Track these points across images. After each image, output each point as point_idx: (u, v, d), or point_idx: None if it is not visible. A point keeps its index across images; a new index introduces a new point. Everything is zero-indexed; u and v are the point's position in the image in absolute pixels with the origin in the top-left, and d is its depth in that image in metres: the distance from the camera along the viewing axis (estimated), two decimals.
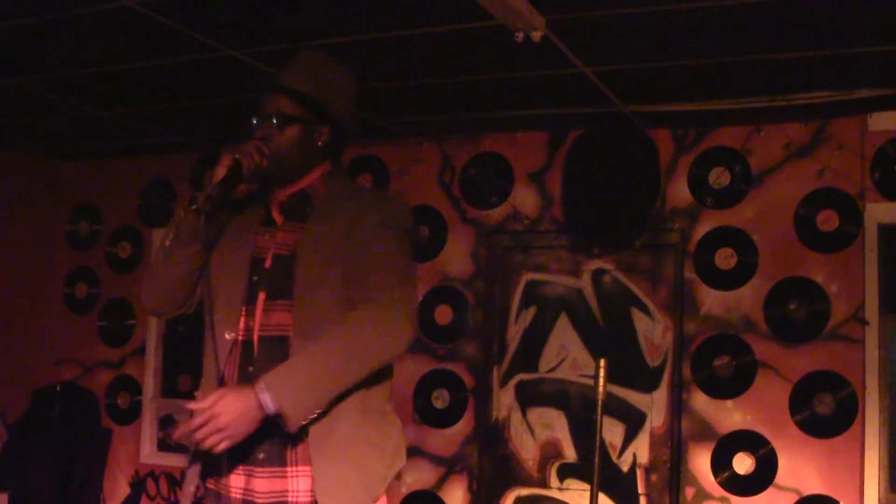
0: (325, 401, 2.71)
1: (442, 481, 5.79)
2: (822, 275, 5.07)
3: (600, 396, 4.21)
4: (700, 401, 5.26)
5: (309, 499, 2.77)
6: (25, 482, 6.34)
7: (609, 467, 5.42)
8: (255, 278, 2.88)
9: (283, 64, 3.07)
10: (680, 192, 5.40)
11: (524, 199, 5.78)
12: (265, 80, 3.19)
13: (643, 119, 5.27)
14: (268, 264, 2.90)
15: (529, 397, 5.74)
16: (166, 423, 6.60)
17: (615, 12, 3.81)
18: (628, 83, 4.76)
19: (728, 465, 5.15)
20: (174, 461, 6.50)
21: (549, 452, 5.66)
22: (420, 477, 5.73)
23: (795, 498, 4.99)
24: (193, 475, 2.92)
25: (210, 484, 2.91)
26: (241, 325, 2.86)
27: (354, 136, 3.11)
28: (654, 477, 5.42)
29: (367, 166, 6.13)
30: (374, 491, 2.85)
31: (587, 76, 4.61)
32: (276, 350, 2.78)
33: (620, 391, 5.46)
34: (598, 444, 4.25)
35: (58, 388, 6.77)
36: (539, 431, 5.70)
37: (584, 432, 5.55)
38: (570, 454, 5.61)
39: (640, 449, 5.46)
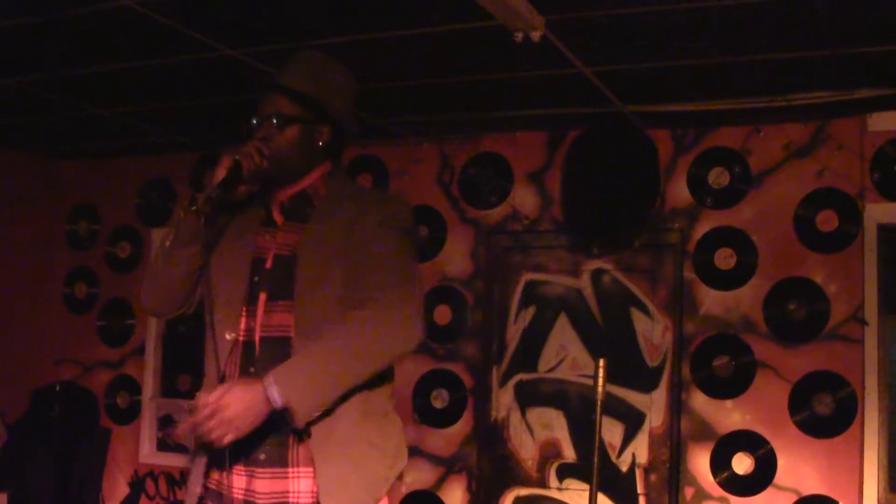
0: (332, 397, 2.70)
1: (441, 481, 5.79)
2: (821, 275, 5.07)
3: (599, 396, 4.22)
4: (699, 401, 5.26)
5: (310, 499, 2.77)
6: (25, 482, 6.34)
7: (608, 467, 5.42)
8: (256, 279, 2.88)
9: (282, 64, 3.07)
10: (679, 192, 5.40)
11: (523, 199, 5.78)
12: (265, 80, 3.18)
13: (642, 119, 5.27)
14: (268, 265, 2.89)
15: (529, 397, 5.74)
16: (166, 422, 6.60)
17: (614, 12, 3.81)
18: (628, 83, 4.76)
19: (727, 465, 5.16)
20: (173, 461, 6.51)
21: (549, 452, 5.66)
22: (419, 477, 5.73)
23: (795, 498, 4.99)
24: (198, 475, 2.92)
25: (211, 484, 2.91)
26: (242, 325, 2.86)
27: (354, 136, 3.10)
28: (653, 477, 5.42)
29: (367, 166, 6.13)
30: (376, 491, 2.85)
31: (586, 76, 4.61)
32: (277, 350, 2.77)
33: (620, 391, 5.46)
34: (597, 444, 4.26)
35: (57, 388, 6.77)
36: (538, 431, 5.70)
37: (583, 432, 5.55)
38: (570, 454, 5.61)
39: (640, 449, 5.46)
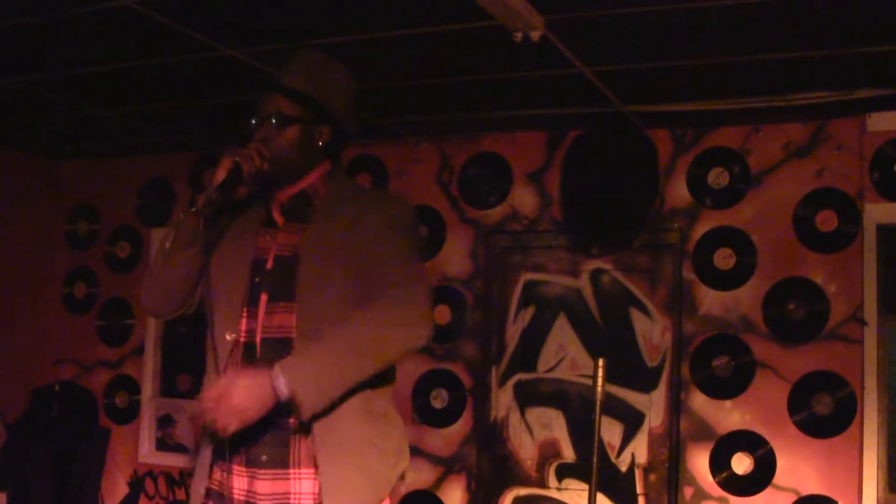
0: (338, 391, 2.70)
1: (440, 481, 5.79)
2: (820, 275, 5.07)
3: (599, 396, 4.22)
4: (699, 401, 5.26)
5: (311, 501, 2.78)
6: (24, 481, 6.34)
7: (607, 467, 5.42)
8: (257, 280, 2.88)
9: (281, 64, 3.07)
10: (679, 192, 5.41)
11: (523, 198, 5.78)
12: (264, 80, 3.18)
13: (642, 119, 5.27)
14: (269, 265, 2.89)
15: (528, 397, 5.74)
16: (165, 422, 6.60)
17: (614, 12, 3.81)
18: (627, 83, 4.76)
19: (727, 465, 5.16)
20: (173, 461, 6.51)
21: (548, 452, 5.66)
22: (419, 477, 5.74)
23: (794, 498, 5.00)
24: (202, 475, 2.92)
25: (213, 485, 2.91)
26: (243, 326, 2.86)
27: (354, 136, 3.11)
28: (652, 477, 5.42)
29: (366, 166, 6.12)
30: (379, 492, 2.86)
31: (586, 76, 4.61)
32: (278, 352, 2.77)
33: (619, 391, 5.46)
34: (596, 444, 4.26)
35: (56, 388, 6.77)
36: (537, 431, 5.70)
37: (582, 432, 5.55)
38: (569, 454, 5.61)
39: (639, 449, 5.46)
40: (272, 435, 2.78)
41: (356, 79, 3.09)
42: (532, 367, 5.74)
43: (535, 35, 3.89)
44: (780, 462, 5.04)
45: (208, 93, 5.20)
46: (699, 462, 5.22)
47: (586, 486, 4.91)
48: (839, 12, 3.71)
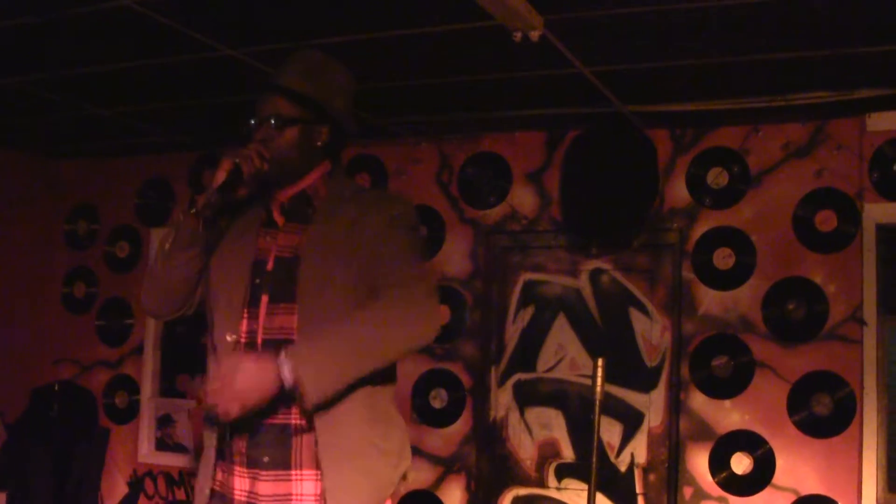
0: (344, 382, 2.70)
1: (440, 481, 5.79)
2: (820, 275, 5.07)
3: (598, 396, 4.22)
4: (698, 401, 5.26)
5: (314, 502, 2.78)
6: (24, 481, 6.34)
7: (607, 467, 5.42)
8: (258, 281, 2.88)
9: (280, 64, 3.07)
10: (678, 192, 5.41)
11: (522, 198, 5.78)
12: (264, 79, 3.18)
13: (641, 119, 5.27)
14: (270, 267, 2.89)
15: (527, 397, 5.74)
16: (164, 422, 6.60)
17: (614, 12, 3.81)
18: (627, 83, 4.76)
19: (726, 464, 5.16)
20: (172, 460, 6.51)
21: (547, 452, 5.66)
22: (418, 476, 5.73)
23: (793, 498, 5.00)
24: (206, 476, 2.92)
25: (216, 485, 2.91)
26: (244, 327, 2.86)
27: (354, 136, 3.10)
28: (651, 477, 5.42)
29: (366, 166, 6.12)
30: (382, 494, 2.87)
31: (585, 76, 4.61)
32: None
33: (618, 391, 5.47)
34: (595, 444, 4.26)
35: (56, 388, 6.77)
36: (537, 431, 5.70)
37: (582, 432, 5.55)
38: (568, 454, 5.61)
39: (638, 449, 5.46)
40: (274, 435, 2.79)
41: (356, 78, 3.09)
42: (531, 367, 5.74)
43: (535, 35, 3.89)
44: (780, 462, 5.04)
45: (208, 93, 5.21)
46: (698, 462, 5.22)
47: (586, 486, 4.91)
48: (839, 12, 3.71)
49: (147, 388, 6.69)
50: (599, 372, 4.20)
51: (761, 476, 5.07)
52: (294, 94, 2.91)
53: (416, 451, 5.67)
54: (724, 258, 5.28)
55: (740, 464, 5.14)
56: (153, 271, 2.99)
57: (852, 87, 4.65)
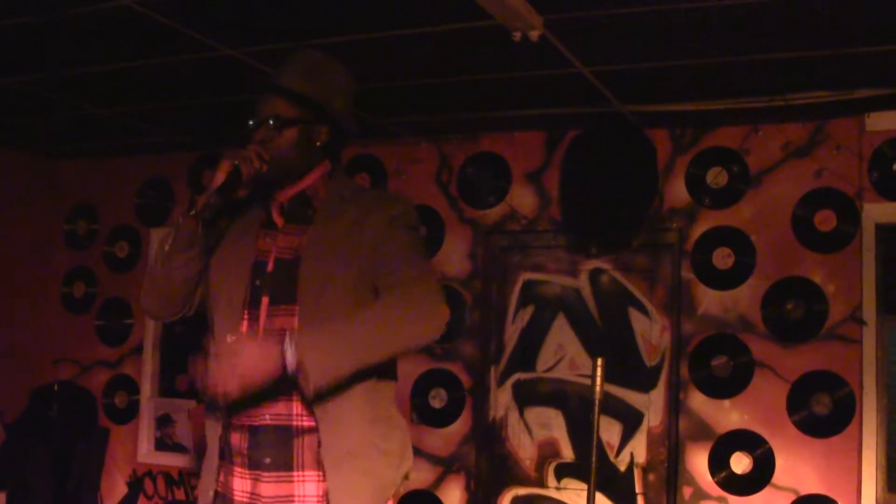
0: (348, 369, 2.69)
1: (439, 481, 5.79)
2: (819, 275, 5.07)
3: (597, 396, 4.22)
4: (697, 400, 5.26)
5: (316, 503, 2.78)
6: (23, 481, 6.33)
7: (606, 467, 5.42)
8: (258, 282, 2.87)
9: (279, 64, 3.06)
10: (678, 191, 5.41)
11: (522, 198, 5.78)
12: (264, 79, 3.18)
13: (641, 119, 5.27)
14: (270, 268, 2.88)
15: (527, 397, 5.74)
16: (164, 422, 6.60)
17: (613, 12, 3.81)
18: (626, 83, 4.76)
19: (725, 464, 5.16)
20: (172, 460, 6.51)
21: (547, 452, 5.67)
22: (418, 476, 5.73)
23: (793, 497, 5.00)
24: (210, 477, 2.92)
25: (218, 486, 2.91)
26: (245, 328, 2.85)
27: (353, 136, 3.10)
28: (651, 476, 5.42)
29: (365, 166, 6.12)
30: (385, 495, 2.88)
31: (585, 76, 4.61)
32: None
33: (618, 391, 5.47)
34: (595, 444, 4.26)
35: (55, 388, 6.76)
36: (536, 431, 5.70)
37: (581, 432, 5.55)
38: (568, 454, 5.61)
39: (638, 448, 5.46)
40: (276, 437, 2.79)
41: (356, 78, 3.09)
42: (531, 366, 5.74)
43: (534, 35, 3.89)
44: (779, 462, 5.04)
45: (208, 93, 5.21)
46: (698, 461, 5.22)
47: (585, 486, 4.91)
48: (838, 12, 3.71)
49: (146, 388, 6.69)
50: (599, 372, 4.20)
51: (761, 476, 5.07)
52: (293, 95, 2.90)
53: (416, 451, 5.62)
54: (723, 258, 5.28)
55: (740, 463, 5.14)
56: (153, 272, 2.99)
57: (852, 86, 4.66)
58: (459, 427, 5.79)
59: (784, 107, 4.88)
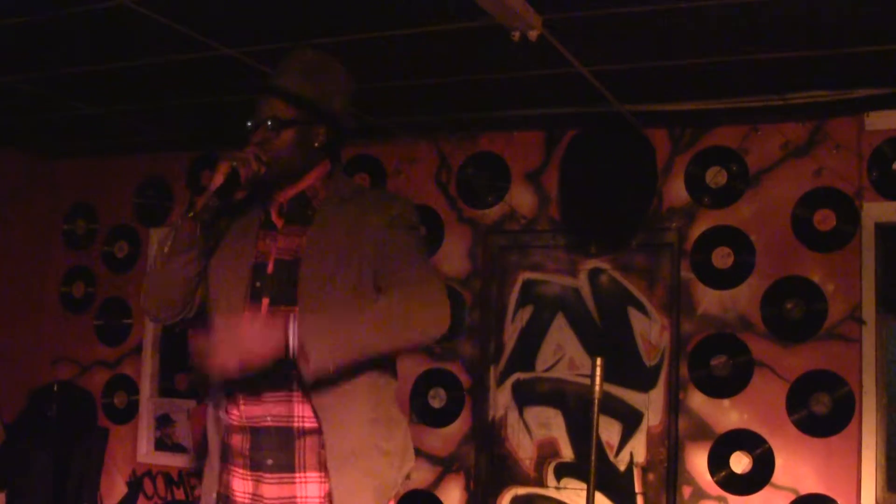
0: (349, 355, 2.69)
1: (439, 481, 5.79)
2: (819, 274, 5.07)
3: (596, 395, 4.22)
4: (697, 400, 5.26)
5: None
6: (23, 481, 6.33)
7: (606, 466, 5.42)
8: (258, 284, 2.87)
9: (276, 64, 3.05)
10: (677, 191, 5.40)
11: (521, 198, 5.78)
12: (262, 79, 3.17)
13: (640, 118, 5.27)
14: (270, 269, 2.88)
15: (526, 396, 5.74)
16: (163, 422, 6.59)
17: (612, 11, 3.81)
18: (625, 82, 4.76)
19: (725, 464, 5.16)
20: (171, 460, 6.51)
21: (546, 451, 5.66)
22: (417, 476, 5.73)
23: (792, 497, 5.00)
24: (212, 481, 2.92)
25: (221, 488, 2.91)
26: None
27: (351, 134, 3.09)
28: (650, 476, 5.42)
29: (364, 166, 6.12)
30: (387, 495, 2.89)
31: (584, 75, 4.61)
32: None
33: (617, 390, 5.46)
34: (594, 443, 4.26)
35: (55, 388, 6.76)
36: (536, 430, 5.70)
37: (580, 431, 5.55)
38: (567, 453, 5.61)
39: (637, 448, 5.46)
40: (277, 438, 2.79)
41: (354, 77, 3.07)
42: (530, 366, 5.74)
43: (533, 34, 3.90)
44: (779, 461, 5.04)
45: (206, 92, 5.20)
46: (697, 461, 5.22)
47: (585, 486, 4.91)
48: (838, 12, 3.71)
49: (146, 387, 6.69)
50: (598, 371, 4.20)
51: (760, 475, 5.07)
52: (291, 96, 2.89)
53: (416, 451, 5.66)
54: (722, 257, 5.28)
55: (739, 463, 5.13)
56: (153, 274, 2.99)
57: (851, 86, 4.66)
58: (459, 427, 5.79)
59: (783, 106, 4.88)
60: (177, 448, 6.51)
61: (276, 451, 2.80)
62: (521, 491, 5.70)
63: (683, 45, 4.20)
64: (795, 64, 4.35)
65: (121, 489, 6.65)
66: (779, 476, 5.04)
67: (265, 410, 2.79)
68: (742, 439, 5.13)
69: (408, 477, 3.00)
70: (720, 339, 5.23)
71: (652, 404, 5.44)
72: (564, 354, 5.67)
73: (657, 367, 5.45)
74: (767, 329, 5.13)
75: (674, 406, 5.32)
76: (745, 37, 4.06)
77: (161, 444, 6.60)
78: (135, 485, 6.60)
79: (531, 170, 5.76)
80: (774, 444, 5.06)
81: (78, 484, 6.54)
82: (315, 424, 2.78)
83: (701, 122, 5.30)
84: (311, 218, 2.92)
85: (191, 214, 2.82)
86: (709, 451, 5.20)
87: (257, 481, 2.81)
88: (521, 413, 5.73)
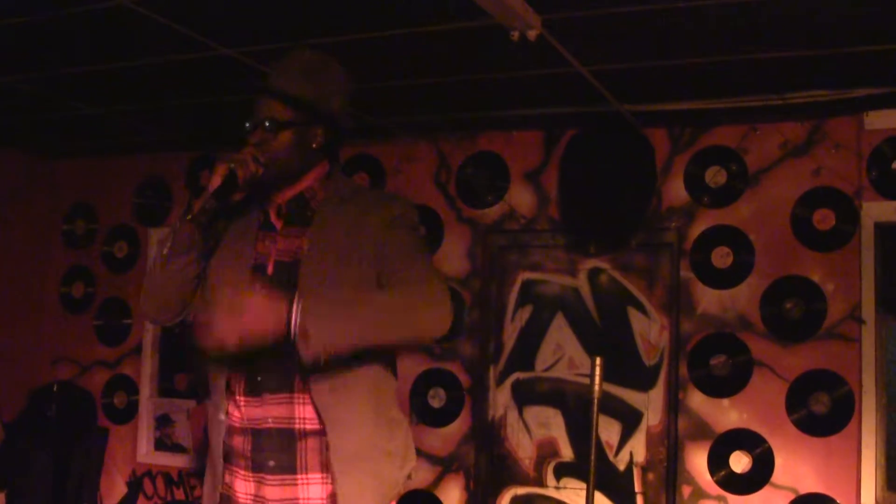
0: (348, 342, 2.68)
1: (438, 480, 5.79)
2: (818, 273, 5.07)
3: (596, 395, 4.22)
4: (696, 399, 5.26)
5: None
6: (23, 481, 6.33)
7: (605, 466, 5.42)
8: (258, 285, 2.87)
9: (274, 64, 3.04)
10: (676, 190, 5.40)
11: (520, 198, 5.78)
12: (260, 80, 3.17)
13: (639, 118, 5.27)
14: (270, 271, 2.88)
15: (526, 396, 5.74)
16: (163, 422, 6.59)
17: (611, 11, 3.81)
18: (624, 82, 4.76)
19: (725, 463, 5.16)
20: (171, 460, 6.51)
21: (546, 451, 5.66)
22: (417, 476, 5.69)
23: (792, 496, 5.00)
24: (214, 482, 2.92)
25: (222, 489, 2.91)
26: None
27: (349, 134, 3.09)
28: (650, 476, 5.42)
29: (363, 165, 6.11)
30: (389, 496, 2.90)
31: (583, 75, 4.61)
32: None
33: (617, 390, 5.46)
34: (594, 443, 4.26)
35: (54, 388, 6.76)
36: (535, 430, 5.70)
37: (580, 431, 5.55)
38: (567, 453, 5.61)
39: (637, 448, 5.46)
40: (279, 439, 2.79)
41: (353, 77, 3.06)
42: (530, 366, 5.74)
43: (532, 34, 3.89)
44: (779, 461, 5.04)
45: (206, 92, 5.20)
46: (697, 461, 5.22)
47: (584, 485, 4.90)
48: (837, 12, 3.71)
49: (146, 387, 6.69)
50: (598, 371, 4.20)
51: (760, 475, 5.07)
52: (289, 97, 2.88)
53: (415, 451, 5.68)
54: (722, 257, 5.28)
55: (739, 462, 5.14)
56: (152, 276, 2.98)
57: (850, 85, 4.65)
58: (458, 427, 5.79)
59: (782, 106, 4.88)
60: (176, 448, 6.51)
61: (278, 452, 2.80)
62: (521, 491, 5.70)
63: (682, 45, 4.20)
64: (794, 63, 4.35)
65: (121, 489, 6.65)
66: (778, 476, 5.04)
67: (266, 412, 2.79)
68: (742, 439, 5.13)
69: (409, 476, 3.00)
70: (720, 339, 5.23)
71: (651, 404, 5.44)
72: (564, 354, 5.67)
73: (657, 367, 5.45)
74: (767, 329, 5.13)
75: (673, 406, 5.32)
76: (744, 36, 4.06)
77: (161, 445, 6.60)
78: (134, 485, 6.60)
79: (530, 169, 5.76)
80: (774, 443, 5.06)
81: (78, 484, 6.54)
82: (316, 426, 2.78)
83: (700, 121, 5.30)
84: (311, 219, 2.91)
85: (189, 217, 2.82)
86: (708, 450, 5.20)
87: (259, 482, 2.82)
88: (520, 413, 5.74)
